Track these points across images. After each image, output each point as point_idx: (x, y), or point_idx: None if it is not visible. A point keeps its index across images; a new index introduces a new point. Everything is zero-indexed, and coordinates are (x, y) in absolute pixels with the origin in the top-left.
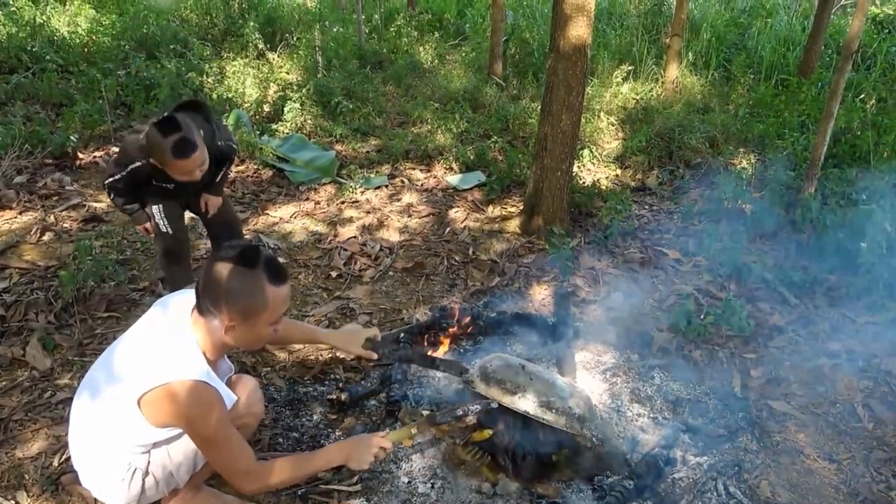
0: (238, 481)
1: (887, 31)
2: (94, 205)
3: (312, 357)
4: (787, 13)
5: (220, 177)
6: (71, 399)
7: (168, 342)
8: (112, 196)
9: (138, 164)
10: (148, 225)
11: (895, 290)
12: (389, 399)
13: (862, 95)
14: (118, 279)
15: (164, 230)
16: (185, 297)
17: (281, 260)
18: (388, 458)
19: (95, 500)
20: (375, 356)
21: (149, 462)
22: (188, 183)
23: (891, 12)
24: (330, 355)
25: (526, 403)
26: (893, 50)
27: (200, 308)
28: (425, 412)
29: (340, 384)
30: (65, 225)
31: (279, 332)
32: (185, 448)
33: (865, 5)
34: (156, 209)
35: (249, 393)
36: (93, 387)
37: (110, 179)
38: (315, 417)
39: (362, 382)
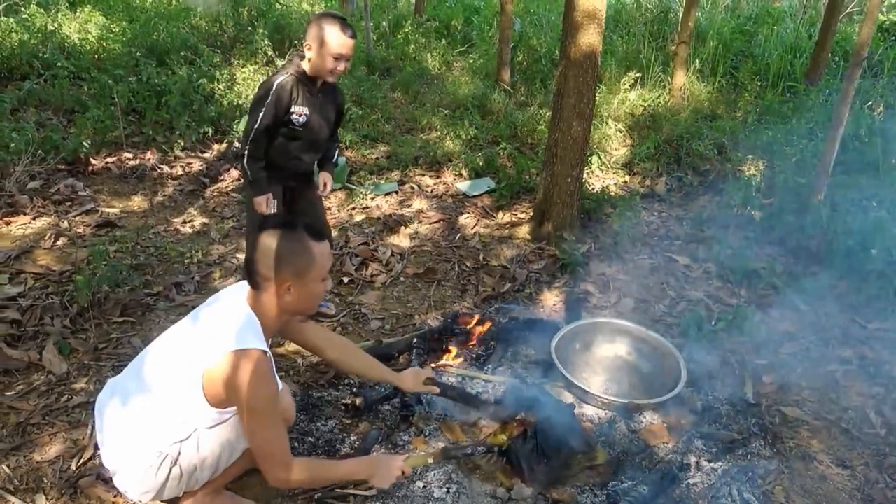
0: (269, 465)
1: (894, 37)
2: (108, 210)
3: (325, 362)
4: (794, 20)
5: (334, 156)
6: (88, 402)
7: (230, 319)
8: (247, 160)
9: (282, 77)
10: (271, 198)
11: None
12: (403, 404)
13: (870, 102)
14: (132, 284)
15: (272, 211)
16: (236, 287)
17: None
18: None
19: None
20: (437, 391)
21: (179, 453)
22: (317, 123)
23: None
24: None
25: None
26: None
27: (254, 283)
28: (441, 444)
29: (354, 389)
30: (78, 230)
31: (328, 289)
32: (213, 443)
33: (875, 13)
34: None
35: (282, 395)
36: (135, 376)
37: (253, 129)
38: (330, 422)
39: (376, 388)
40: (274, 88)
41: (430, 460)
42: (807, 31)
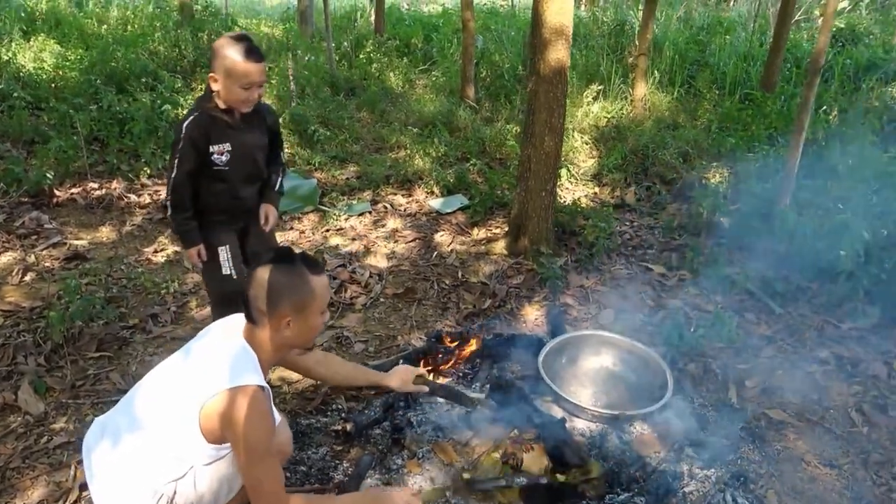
0: (262, 502)
1: (840, 44)
2: (75, 242)
3: (312, 388)
4: (745, 29)
5: (277, 183)
6: (69, 443)
7: (227, 354)
8: (171, 212)
9: (192, 117)
10: (202, 249)
11: (875, 296)
12: (394, 427)
13: (824, 107)
14: (107, 318)
15: (229, 273)
16: (228, 321)
17: None
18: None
19: None
20: (427, 389)
21: (175, 492)
22: (244, 156)
23: (842, 26)
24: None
25: None
26: (849, 63)
27: (251, 318)
28: (466, 475)
29: (343, 414)
30: (46, 264)
31: (326, 322)
32: (211, 480)
33: (830, 21)
34: (223, 251)
35: (279, 429)
36: (126, 414)
37: (172, 178)
38: (321, 450)
39: (365, 411)
40: (184, 132)
41: (449, 493)
42: (758, 40)
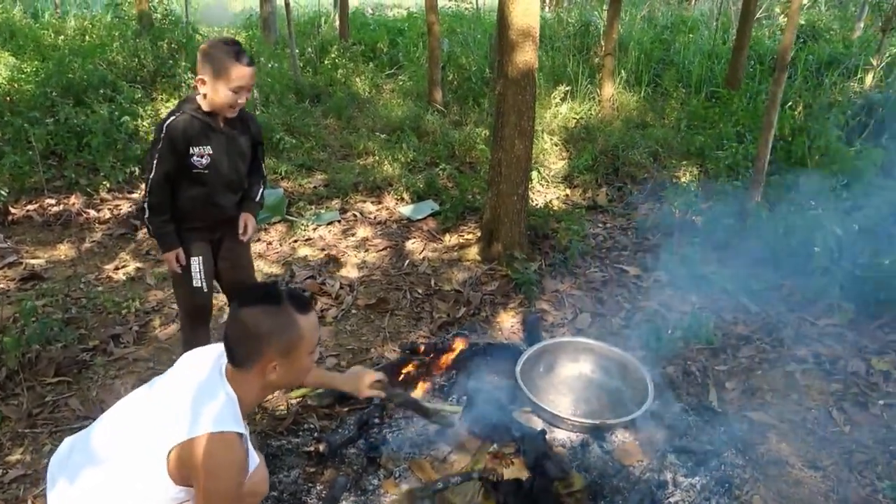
0: None
1: (802, 40)
2: (32, 261)
3: (283, 407)
4: (708, 28)
5: (257, 193)
6: (26, 476)
7: (206, 395)
8: (148, 215)
9: (174, 117)
10: (181, 253)
11: (849, 291)
12: (369, 445)
13: (789, 103)
14: (66, 340)
15: (200, 285)
16: (205, 353)
17: None
18: None
19: None
20: (383, 394)
21: None
22: (225, 162)
23: (803, 22)
24: (300, 403)
25: None
26: (811, 58)
27: (235, 360)
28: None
29: (316, 434)
30: (1, 286)
31: (314, 360)
32: None
33: (796, 18)
34: (195, 262)
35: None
36: (85, 451)
37: (150, 179)
38: (293, 472)
39: (339, 430)
40: (165, 132)
41: None
42: (721, 38)
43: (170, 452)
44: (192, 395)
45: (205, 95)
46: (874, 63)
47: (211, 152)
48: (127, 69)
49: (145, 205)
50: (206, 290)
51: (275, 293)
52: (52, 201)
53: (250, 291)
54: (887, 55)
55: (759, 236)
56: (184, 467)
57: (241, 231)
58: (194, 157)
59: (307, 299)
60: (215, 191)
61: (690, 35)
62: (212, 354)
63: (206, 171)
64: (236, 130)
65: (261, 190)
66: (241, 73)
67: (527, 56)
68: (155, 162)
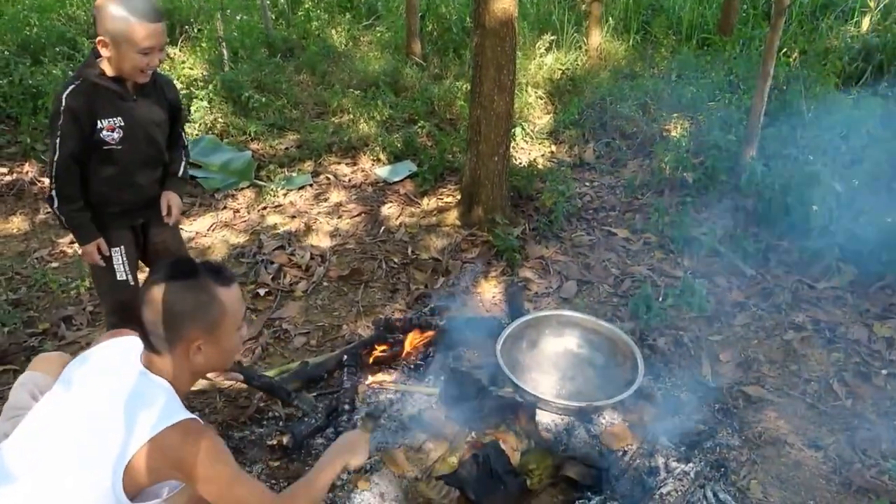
0: None
1: None
2: None
3: (245, 394)
4: None
5: (180, 168)
6: None
7: (135, 394)
8: (57, 204)
9: (73, 86)
10: (102, 243)
11: (850, 252)
12: (338, 435)
13: (784, 49)
14: (11, 324)
15: (125, 278)
16: (116, 346)
17: None
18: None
19: None
20: (241, 377)
21: None
22: (140, 134)
23: None
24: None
25: None
26: (806, 2)
27: (152, 346)
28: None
29: (281, 423)
30: None
31: (245, 337)
32: None
33: None
34: (116, 252)
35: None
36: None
37: (54, 162)
38: (256, 466)
39: (305, 420)
40: (64, 104)
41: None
42: None
43: (124, 467)
44: (126, 401)
45: (109, 59)
46: (871, 5)
47: (122, 124)
48: (88, 24)
49: (53, 193)
50: (132, 283)
51: (188, 265)
52: (4, 170)
53: (161, 268)
54: None
55: (754, 194)
56: (148, 472)
57: (164, 213)
58: (103, 132)
59: (228, 271)
60: (131, 169)
61: None
62: (119, 349)
63: (119, 147)
64: (150, 97)
65: (183, 163)
66: (147, 30)
67: (505, 3)
68: (57, 141)
